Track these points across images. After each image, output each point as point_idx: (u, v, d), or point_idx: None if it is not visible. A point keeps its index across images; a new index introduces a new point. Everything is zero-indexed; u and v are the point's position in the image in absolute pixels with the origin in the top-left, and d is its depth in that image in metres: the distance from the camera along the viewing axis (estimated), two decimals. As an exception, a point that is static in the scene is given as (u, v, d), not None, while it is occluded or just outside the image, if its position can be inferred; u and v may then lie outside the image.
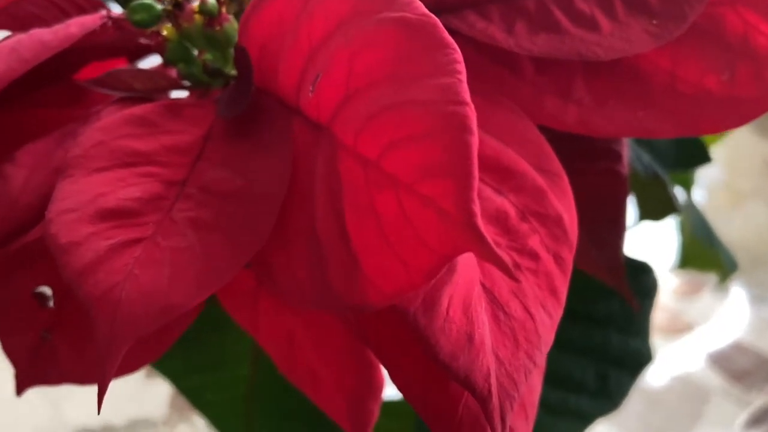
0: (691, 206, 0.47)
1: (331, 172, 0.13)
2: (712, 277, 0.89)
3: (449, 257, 0.11)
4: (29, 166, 0.16)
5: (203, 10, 0.18)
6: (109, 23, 0.18)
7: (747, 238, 0.98)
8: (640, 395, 0.78)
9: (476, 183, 0.11)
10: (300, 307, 0.18)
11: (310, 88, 0.14)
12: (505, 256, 0.15)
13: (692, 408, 0.79)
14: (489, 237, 0.11)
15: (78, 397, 0.78)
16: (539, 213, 0.16)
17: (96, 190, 0.14)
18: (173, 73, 0.19)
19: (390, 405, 0.27)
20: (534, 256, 0.15)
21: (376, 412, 0.20)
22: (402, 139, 0.12)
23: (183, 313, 0.13)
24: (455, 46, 0.12)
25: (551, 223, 0.16)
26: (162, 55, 0.19)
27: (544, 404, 0.29)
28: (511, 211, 0.16)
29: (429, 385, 0.14)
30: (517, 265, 0.15)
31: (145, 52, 0.20)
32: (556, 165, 0.17)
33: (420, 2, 0.13)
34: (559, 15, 0.17)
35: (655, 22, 0.17)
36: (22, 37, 0.17)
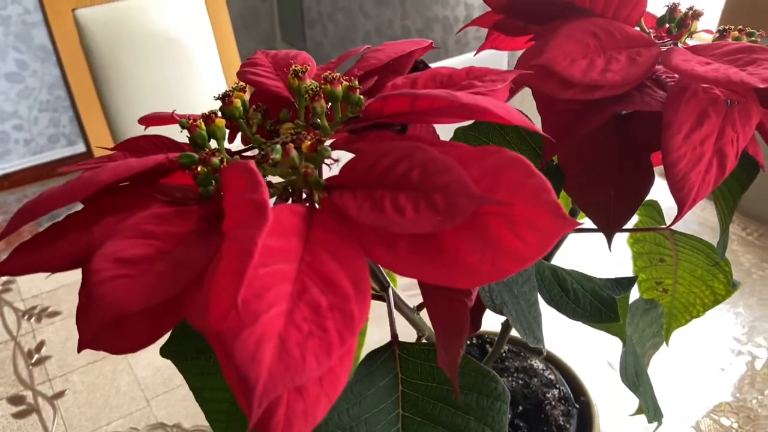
0: (629, 351, 0.55)
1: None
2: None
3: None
4: (104, 228, 0.32)
5: (208, 164, 0.33)
6: (168, 161, 0.34)
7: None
8: None
9: (246, 277, 0.25)
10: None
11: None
12: (306, 327, 0.28)
13: None
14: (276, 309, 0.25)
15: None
16: (340, 308, 0.29)
17: (120, 246, 0.29)
18: (197, 189, 0.35)
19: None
20: (325, 329, 0.28)
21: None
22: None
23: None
24: (267, 213, 0.26)
25: (346, 315, 0.29)
26: (195, 180, 0.35)
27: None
28: (324, 303, 0.29)
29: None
30: (311, 332, 0.28)
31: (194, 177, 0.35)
32: (365, 285, 0.30)
33: (263, 189, 0.27)
34: (387, 203, 0.30)
35: (438, 218, 0.30)
36: (121, 161, 0.33)
